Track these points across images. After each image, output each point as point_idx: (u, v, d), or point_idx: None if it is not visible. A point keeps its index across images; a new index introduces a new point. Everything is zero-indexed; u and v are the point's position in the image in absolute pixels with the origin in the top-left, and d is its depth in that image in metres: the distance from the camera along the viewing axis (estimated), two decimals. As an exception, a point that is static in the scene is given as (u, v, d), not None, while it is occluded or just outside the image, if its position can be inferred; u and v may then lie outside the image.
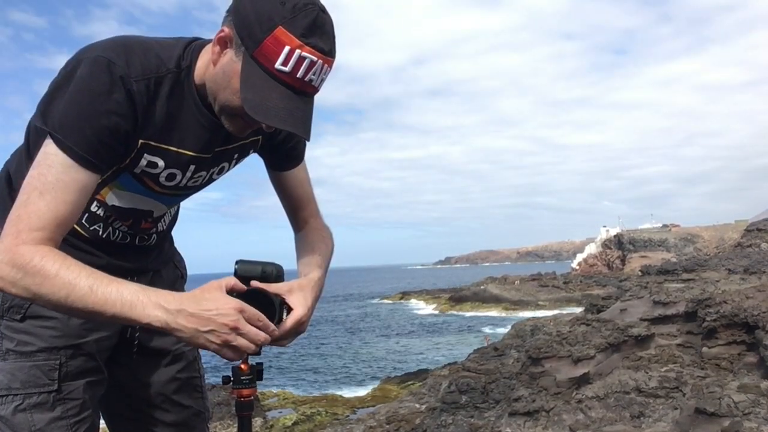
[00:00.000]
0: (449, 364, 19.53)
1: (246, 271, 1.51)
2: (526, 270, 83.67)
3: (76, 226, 1.56)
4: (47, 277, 1.27)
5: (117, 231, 1.62)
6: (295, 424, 18.32)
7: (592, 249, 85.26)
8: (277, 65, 1.30)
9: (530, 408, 10.77)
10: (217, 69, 1.39)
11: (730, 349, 10.57)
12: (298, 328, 1.47)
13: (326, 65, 1.35)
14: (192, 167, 1.54)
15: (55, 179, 1.32)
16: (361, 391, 24.60)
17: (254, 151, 1.70)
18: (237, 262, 1.52)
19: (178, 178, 1.54)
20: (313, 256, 1.70)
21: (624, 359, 11.21)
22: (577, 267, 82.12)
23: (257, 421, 16.34)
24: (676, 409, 9.82)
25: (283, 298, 1.50)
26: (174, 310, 1.29)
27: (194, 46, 1.48)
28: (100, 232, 1.60)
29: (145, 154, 1.47)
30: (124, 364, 1.72)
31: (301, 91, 1.35)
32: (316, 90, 1.37)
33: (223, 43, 1.37)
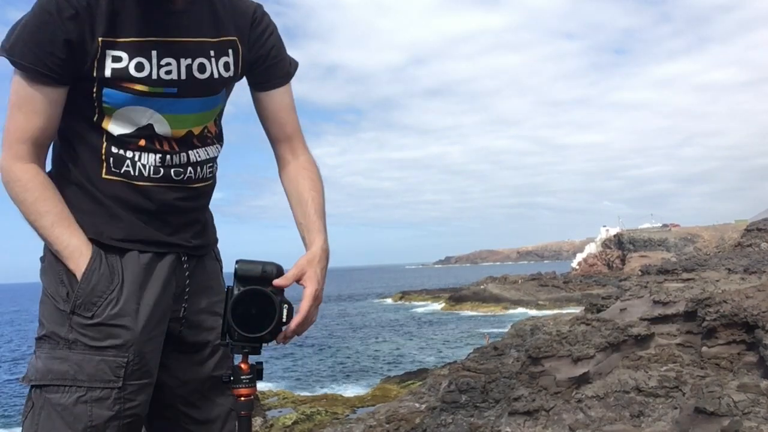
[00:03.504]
0: (449, 363, 19.52)
1: (246, 270, 1.52)
2: (526, 270, 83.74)
3: (111, 177, 1.62)
4: (25, 202, 1.56)
5: (147, 167, 1.63)
6: (294, 423, 18.35)
7: (592, 249, 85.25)
8: None
9: (530, 407, 10.78)
10: None
11: (730, 348, 10.58)
12: (315, 302, 1.58)
13: None
14: (154, 53, 1.57)
15: (24, 94, 1.53)
16: (361, 391, 24.63)
17: (235, 55, 1.70)
18: (237, 262, 1.53)
19: (147, 67, 1.57)
20: (308, 214, 1.74)
21: (624, 359, 11.22)
22: (577, 267, 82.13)
23: (257, 421, 16.35)
24: (676, 408, 9.83)
25: (283, 298, 1.52)
26: (74, 261, 1.56)
27: None
28: (133, 172, 1.62)
29: (108, 50, 1.53)
30: (163, 364, 1.71)
31: None
32: None
33: None
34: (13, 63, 1.51)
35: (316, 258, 1.64)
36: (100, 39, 1.52)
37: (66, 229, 1.56)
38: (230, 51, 1.69)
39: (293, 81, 1.86)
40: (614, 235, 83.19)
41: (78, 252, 1.56)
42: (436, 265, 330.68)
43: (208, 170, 1.75)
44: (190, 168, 1.69)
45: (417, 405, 15.23)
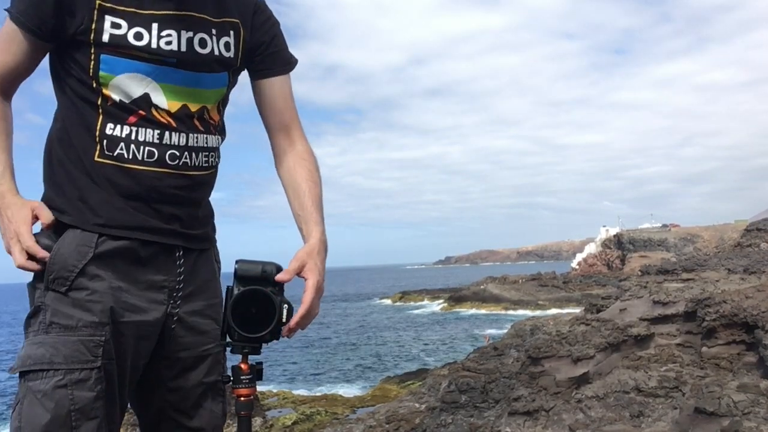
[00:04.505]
0: (449, 363, 19.53)
1: (246, 270, 1.52)
2: (526, 270, 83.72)
3: (104, 160, 1.59)
4: None
5: (141, 147, 1.60)
6: (294, 423, 18.34)
7: (591, 249, 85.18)
8: None
9: (530, 407, 10.78)
10: None
11: (730, 348, 10.59)
12: (318, 294, 1.59)
13: None
14: (155, 25, 1.58)
15: (4, 34, 1.60)
16: (361, 391, 24.63)
17: (236, 37, 1.71)
18: (237, 262, 1.53)
19: (146, 37, 1.57)
20: (306, 206, 1.73)
21: (623, 359, 11.23)
22: (577, 267, 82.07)
23: (257, 421, 16.35)
24: (676, 408, 9.83)
25: (283, 298, 1.52)
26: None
27: None
28: (126, 155, 1.59)
29: (106, 15, 1.55)
30: (154, 367, 1.69)
31: None
32: None
33: None
34: (9, 14, 1.57)
35: (315, 250, 1.64)
36: (97, 2, 1.54)
37: None
38: (232, 32, 1.71)
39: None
40: (614, 235, 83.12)
41: (1, 194, 1.57)
42: (436, 265, 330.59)
43: (204, 159, 1.71)
44: (186, 153, 1.65)
45: (417, 405, 15.23)
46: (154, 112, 1.61)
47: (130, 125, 1.60)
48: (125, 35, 1.56)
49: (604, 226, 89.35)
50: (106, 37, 1.55)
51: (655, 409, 10.11)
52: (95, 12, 1.54)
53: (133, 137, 1.60)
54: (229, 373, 1.51)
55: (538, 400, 10.85)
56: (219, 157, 1.79)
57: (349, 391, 24.96)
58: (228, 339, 1.52)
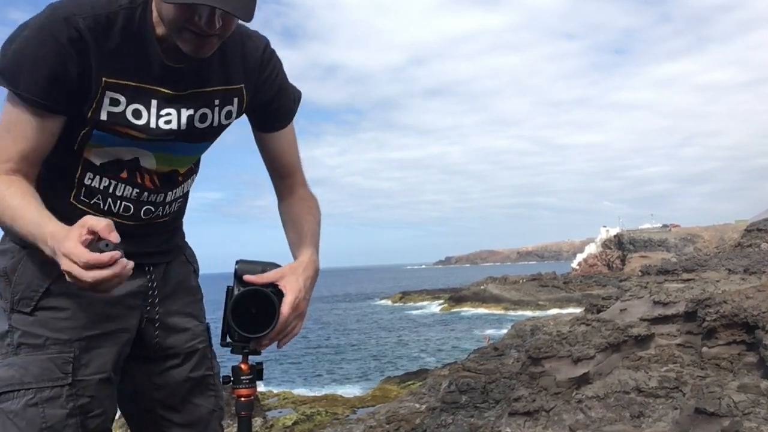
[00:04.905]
0: (449, 363, 19.51)
1: (246, 270, 1.52)
2: (526, 270, 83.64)
3: (78, 204, 1.56)
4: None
5: (118, 201, 1.60)
6: (295, 423, 18.33)
7: (592, 249, 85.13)
8: None
9: (530, 408, 10.77)
10: None
11: (730, 349, 10.57)
12: (295, 312, 1.52)
13: None
14: (154, 102, 1.51)
15: (15, 118, 1.44)
16: (361, 391, 24.61)
17: (239, 102, 1.66)
18: (237, 262, 1.53)
19: (145, 115, 1.51)
20: (301, 234, 1.72)
21: (624, 359, 11.21)
22: (577, 267, 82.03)
23: (257, 421, 16.33)
24: (676, 409, 9.82)
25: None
26: (50, 246, 1.33)
27: None
28: (102, 206, 1.59)
29: (107, 92, 1.47)
30: (138, 367, 1.69)
31: None
32: None
33: None
34: (16, 95, 1.42)
35: (300, 267, 1.60)
36: (103, 79, 1.46)
37: (30, 218, 1.39)
38: (235, 100, 1.65)
39: (293, 81, 1.83)
40: (614, 236, 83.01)
41: (50, 236, 1.34)
42: (437, 266, 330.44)
43: (177, 205, 1.73)
44: (161, 207, 1.66)
45: (417, 405, 15.22)
46: (138, 174, 1.60)
47: (110, 179, 1.58)
48: (123, 112, 1.50)
49: (605, 227, 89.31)
50: (104, 116, 1.48)
51: (655, 409, 10.11)
52: (100, 89, 1.47)
53: (111, 191, 1.59)
54: (230, 373, 1.51)
55: (538, 401, 10.84)
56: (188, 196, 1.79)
57: (349, 391, 24.94)
58: (228, 339, 1.52)
